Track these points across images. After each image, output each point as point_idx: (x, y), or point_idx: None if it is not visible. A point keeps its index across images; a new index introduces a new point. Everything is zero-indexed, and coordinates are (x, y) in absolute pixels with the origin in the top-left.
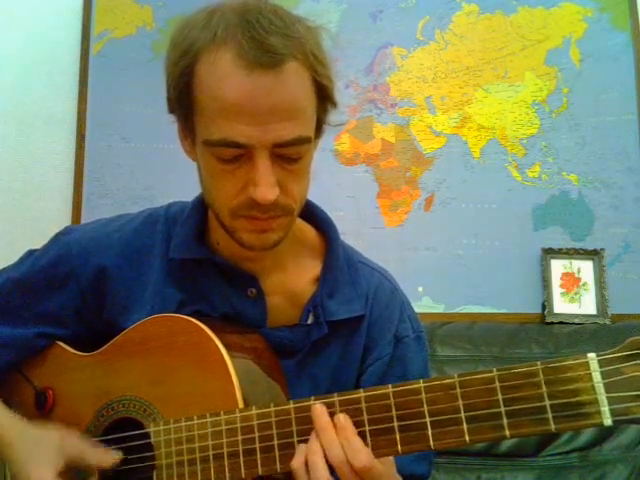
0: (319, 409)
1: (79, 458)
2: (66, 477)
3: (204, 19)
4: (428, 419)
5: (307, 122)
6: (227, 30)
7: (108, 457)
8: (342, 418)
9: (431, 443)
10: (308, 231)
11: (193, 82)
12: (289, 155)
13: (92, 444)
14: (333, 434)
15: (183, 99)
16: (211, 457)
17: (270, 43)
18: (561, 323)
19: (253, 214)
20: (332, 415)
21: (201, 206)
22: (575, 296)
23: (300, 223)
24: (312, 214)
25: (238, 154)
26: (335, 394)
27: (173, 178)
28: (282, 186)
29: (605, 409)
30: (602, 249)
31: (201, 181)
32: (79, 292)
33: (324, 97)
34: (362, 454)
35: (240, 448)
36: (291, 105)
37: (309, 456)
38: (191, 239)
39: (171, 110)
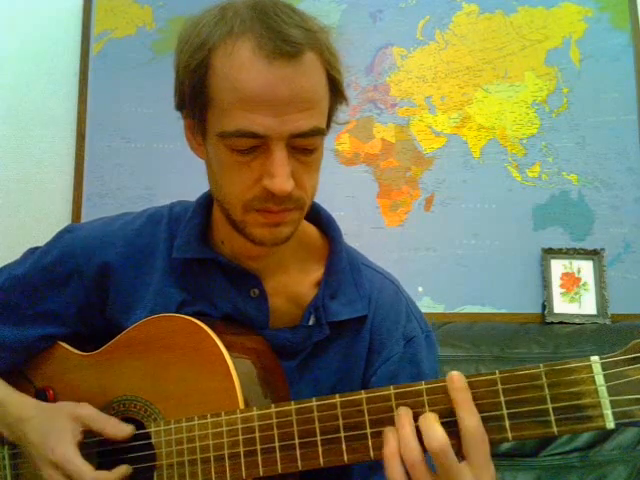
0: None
1: (95, 428)
2: (84, 447)
3: (216, 16)
4: None
5: (322, 114)
6: (244, 23)
7: (123, 428)
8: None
9: None
10: (312, 232)
11: (208, 75)
12: (305, 146)
13: (106, 415)
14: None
15: (196, 93)
16: (212, 457)
17: (290, 34)
18: (561, 323)
19: (267, 207)
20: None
21: (205, 205)
22: (575, 296)
23: (304, 224)
24: (316, 215)
25: (254, 145)
26: (336, 395)
27: (173, 178)
28: (296, 179)
29: (608, 412)
30: (602, 249)
31: (211, 177)
32: (83, 290)
33: (336, 91)
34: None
35: (241, 449)
36: (309, 96)
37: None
38: (194, 239)
39: (180, 107)
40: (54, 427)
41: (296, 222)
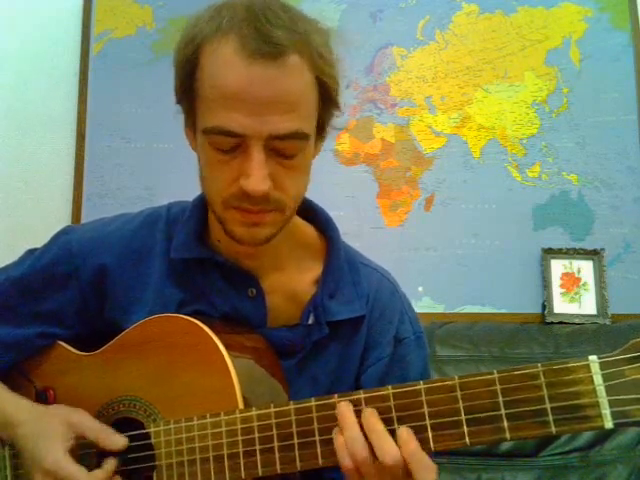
0: (344, 406)
1: (88, 436)
2: (76, 454)
3: (212, 12)
4: (428, 421)
5: (306, 118)
6: (232, 21)
7: (116, 440)
8: (368, 414)
9: (431, 445)
10: (309, 231)
11: (196, 71)
12: (284, 150)
13: (101, 425)
14: (357, 431)
15: (186, 88)
16: (211, 458)
17: (273, 35)
18: (561, 323)
19: (244, 206)
20: (358, 413)
21: (202, 205)
22: (575, 296)
23: (301, 223)
24: (313, 214)
25: (234, 144)
26: (335, 395)
27: (173, 178)
28: (276, 181)
29: (606, 412)
30: (602, 249)
31: (199, 171)
32: (80, 292)
33: (327, 97)
34: (393, 450)
35: (240, 449)
36: (290, 98)
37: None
38: (192, 239)
39: (178, 100)
40: (45, 433)
41: (277, 223)
